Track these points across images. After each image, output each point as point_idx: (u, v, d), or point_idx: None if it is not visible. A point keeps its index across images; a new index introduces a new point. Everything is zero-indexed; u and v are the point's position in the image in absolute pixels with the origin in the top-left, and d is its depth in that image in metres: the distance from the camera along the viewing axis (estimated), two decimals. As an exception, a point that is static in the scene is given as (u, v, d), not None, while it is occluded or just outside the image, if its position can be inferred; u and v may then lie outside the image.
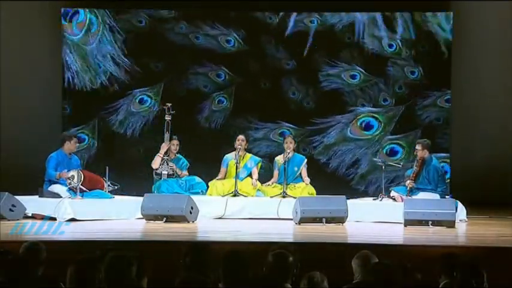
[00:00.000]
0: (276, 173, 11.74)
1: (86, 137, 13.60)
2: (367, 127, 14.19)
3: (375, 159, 13.01)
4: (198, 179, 11.58)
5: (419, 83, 13.62)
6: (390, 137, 14.17)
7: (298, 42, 13.85)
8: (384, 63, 13.74)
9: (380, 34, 13.80)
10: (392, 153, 14.18)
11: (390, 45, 13.85)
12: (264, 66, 13.94)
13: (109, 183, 10.99)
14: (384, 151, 14.08)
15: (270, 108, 13.89)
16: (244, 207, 11.04)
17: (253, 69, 13.93)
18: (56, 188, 10.71)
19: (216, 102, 14.00)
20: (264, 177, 12.11)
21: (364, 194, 12.93)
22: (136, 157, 13.57)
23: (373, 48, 13.74)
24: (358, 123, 14.19)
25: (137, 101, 13.81)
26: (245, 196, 11.27)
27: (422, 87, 13.61)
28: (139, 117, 13.80)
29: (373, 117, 14.20)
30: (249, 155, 11.84)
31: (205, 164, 12.40)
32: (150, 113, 13.74)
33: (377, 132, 14.16)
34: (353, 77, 14.06)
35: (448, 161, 13.28)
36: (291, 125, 13.88)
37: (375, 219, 10.66)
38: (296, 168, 11.64)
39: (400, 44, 13.73)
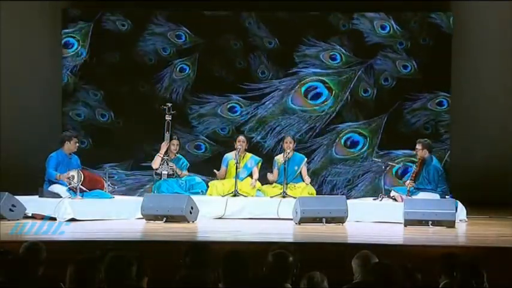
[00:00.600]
0: (275, 172, 11.74)
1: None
2: (316, 97, 13.14)
3: (374, 159, 12.87)
4: (198, 179, 11.59)
5: (411, 79, 13.22)
6: (349, 124, 13.24)
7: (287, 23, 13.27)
8: (373, 50, 13.20)
9: (373, 15, 13.24)
10: (351, 144, 13.23)
11: (383, 27, 13.29)
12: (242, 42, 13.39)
13: (109, 183, 11.00)
14: (342, 142, 13.26)
15: (234, 85, 13.33)
16: (244, 207, 11.04)
17: (231, 46, 13.45)
18: (56, 188, 10.71)
19: (178, 70, 13.48)
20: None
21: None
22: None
23: (367, 36, 13.16)
24: (303, 90, 13.09)
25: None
26: (245, 196, 11.27)
27: (414, 83, 13.18)
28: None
29: (322, 82, 13.05)
30: (249, 155, 11.83)
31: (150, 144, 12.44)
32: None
33: (328, 105, 13.13)
34: (333, 58, 13.23)
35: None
36: (241, 98, 13.27)
37: (375, 219, 10.66)
38: (296, 168, 11.63)
39: (394, 26, 13.20)
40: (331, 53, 13.32)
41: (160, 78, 13.44)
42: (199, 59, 13.44)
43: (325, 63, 13.32)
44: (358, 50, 13.36)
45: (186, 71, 13.48)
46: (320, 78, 13.24)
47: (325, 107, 13.32)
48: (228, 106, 13.41)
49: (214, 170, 11.79)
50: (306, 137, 13.31)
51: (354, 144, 13.27)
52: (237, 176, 11.39)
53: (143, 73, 13.43)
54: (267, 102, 13.36)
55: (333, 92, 13.15)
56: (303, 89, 13.22)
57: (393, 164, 12.37)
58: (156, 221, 10.32)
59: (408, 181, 11.11)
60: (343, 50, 13.31)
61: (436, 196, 10.89)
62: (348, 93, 13.19)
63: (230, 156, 11.79)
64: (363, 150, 13.28)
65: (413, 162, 12.65)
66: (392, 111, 13.25)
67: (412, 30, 13.33)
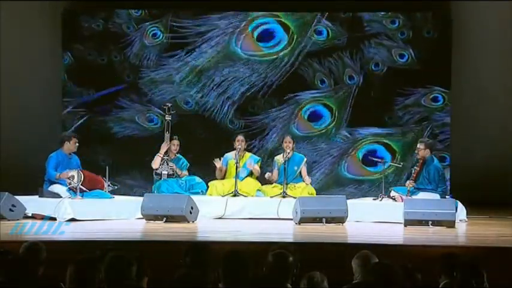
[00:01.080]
0: (275, 172, 11.73)
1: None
2: (269, 39, 11.48)
3: (375, 159, 12.75)
4: (198, 179, 11.58)
5: (407, 69, 12.70)
6: (312, 93, 11.88)
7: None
8: (369, 35, 12.39)
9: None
10: (314, 117, 11.91)
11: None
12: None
13: (109, 183, 11.00)
14: (303, 115, 12.05)
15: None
16: (244, 207, 11.04)
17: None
18: (56, 188, 10.71)
19: (150, 35, 12.59)
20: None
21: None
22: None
23: (367, 25, 12.42)
24: (256, 35, 11.56)
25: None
26: (245, 196, 11.27)
27: (410, 74, 12.63)
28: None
29: (279, 22, 11.61)
30: (248, 154, 11.83)
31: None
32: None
33: (285, 52, 11.63)
34: (319, 32, 11.95)
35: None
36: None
37: (375, 219, 10.66)
38: (296, 168, 11.62)
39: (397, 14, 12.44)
40: (316, 27, 12.27)
41: (130, 42, 12.88)
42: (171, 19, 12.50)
43: (308, 36, 12.25)
44: (350, 22, 12.55)
45: (158, 36, 12.48)
46: (276, 18, 11.62)
47: (281, 55, 11.82)
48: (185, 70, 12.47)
49: (216, 162, 11.63)
50: (259, 95, 12.11)
51: (317, 117, 12.02)
52: (237, 176, 11.39)
53: (114, 38, 12.97)
54: (204, 46, 11.90)
55: (292, 34, 11.72)
56: (256, 33, 11.73)
57: (393, 164, 12.32)
58: (156, 221, 10.32)
59: (408, 181, 11.10)
60: (330, 25, 12.27)
61: (436, 196, 10.88)
62: (309, 35, 11.67)
63: (230, 156, 11.79)
64: (329, 125, 12.33)
65: (381, 143, 12.40)
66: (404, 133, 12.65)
67: (416, 20, 12.89)
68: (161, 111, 12.49)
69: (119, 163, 12.72)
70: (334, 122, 12.44)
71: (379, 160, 12.06)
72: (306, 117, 12.11)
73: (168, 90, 12.73)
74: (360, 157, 12.15)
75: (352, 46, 12.68)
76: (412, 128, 12.47)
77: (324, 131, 12.36)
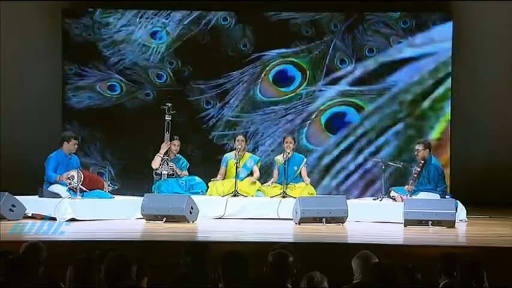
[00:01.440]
0: (275, 172, 11.73)
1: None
2: None
3: (375, 159, 12.75)
4: (198, 179, 11.58)
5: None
6: (277, 51, 10.65)
7: None
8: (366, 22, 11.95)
9: None
10: (282, 80, 10.65)
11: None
12: None
13: (109, 183, 11.00)
14: (270, 78, 10.91)
15: None
16: (244, 207, 11.04)
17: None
18: (56, 188, 10.71)
19: None
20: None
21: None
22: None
23: (367, 14, 11.98)
24: None
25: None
26: (245, 196, 11.27)
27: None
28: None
29: None
30: (248, 154, 11.83)
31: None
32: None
33: None
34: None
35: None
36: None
37: (374, 219, 10.66)
38: (296, 168, 11.62)
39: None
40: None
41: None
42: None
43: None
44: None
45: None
46: None
47: None
48: (151, 31, 11.94)
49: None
50: (198, 29, 11.16)
51: (287, 80, 10.88)
52: (237, 176, 11.39)
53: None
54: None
55: None
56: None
57: (393, 164, 12.30)
58: (156, 221, 10.32)
59: (407, 186, 11.04)
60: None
61: (436, 196, 10.88)
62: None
63: (230, 156, 11.79)
64: (300, 89, 11.39)
65: (351, 104, 11.87)
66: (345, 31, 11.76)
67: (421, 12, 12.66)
68: (122, 78, 12.20)
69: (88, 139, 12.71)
70: (305, 85, 11.40)
71: (378, 160, 12.07)
72: (271, 79, 11.11)
73: (129, 51, 12.25)
74: (323, 122, 11.19)
75: (348, 31, 12.26)
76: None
77: (292, 95, 11.41)
